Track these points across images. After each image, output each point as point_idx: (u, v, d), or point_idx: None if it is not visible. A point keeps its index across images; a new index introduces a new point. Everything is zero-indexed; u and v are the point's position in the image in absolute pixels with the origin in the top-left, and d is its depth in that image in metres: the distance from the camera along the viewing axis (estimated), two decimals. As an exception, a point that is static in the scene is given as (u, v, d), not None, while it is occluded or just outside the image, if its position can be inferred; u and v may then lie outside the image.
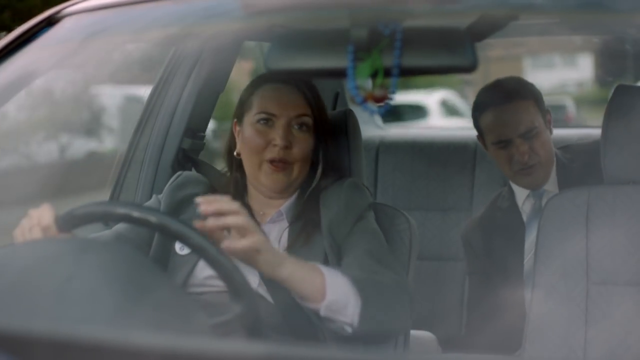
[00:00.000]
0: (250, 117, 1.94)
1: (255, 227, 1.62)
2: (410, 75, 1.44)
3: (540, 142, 2.47)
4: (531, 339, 1.89)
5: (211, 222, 1.57)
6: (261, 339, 1.56)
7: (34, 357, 1.15)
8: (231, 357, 1.13)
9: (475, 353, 2.42)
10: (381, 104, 1.42)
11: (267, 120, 1.92)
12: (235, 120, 2.01)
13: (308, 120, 1.92)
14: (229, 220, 1.58)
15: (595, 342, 1.83)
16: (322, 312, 1.72)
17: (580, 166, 2.51)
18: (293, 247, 1.90)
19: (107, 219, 1.66)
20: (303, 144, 1.92)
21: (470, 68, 1.41)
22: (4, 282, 1.38)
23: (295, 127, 1.91)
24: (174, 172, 2.47)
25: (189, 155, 2.62)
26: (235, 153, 2.00)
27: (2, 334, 1.17)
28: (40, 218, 1.64)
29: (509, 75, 2.64)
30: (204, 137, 2.71)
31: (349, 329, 1.76)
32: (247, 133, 1.94)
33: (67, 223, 1.62)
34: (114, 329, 1.24)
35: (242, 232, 1.60)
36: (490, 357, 2.35)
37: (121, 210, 1.58)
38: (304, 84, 1.95)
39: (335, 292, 1.72)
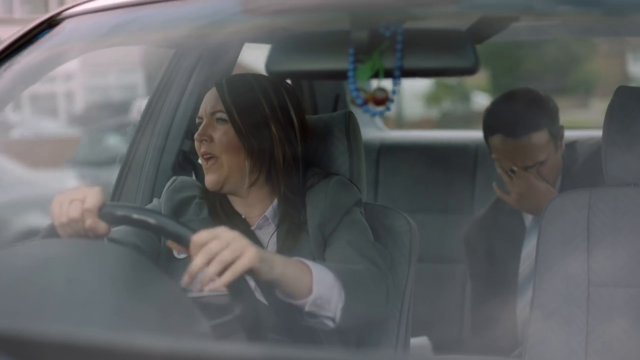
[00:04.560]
0: None
1: (243, 243, 1.59)
2: (411, 77, 1.44)
3: (546, 168, 2.42)
4: (532, 341, 1.88)
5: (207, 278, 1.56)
6: (260, 340, 1.56)
7: (34, 359, 1.15)
8: (231, 358, 1.13)
9: (476, 355, 2.42)
10: (382, 106, 1.42)
11: (199, 123, 2.00)
12: None
13: (222, 115, 1.96)
14: (220, 261, 1.56)
15: (596, 344, 1.83)
16: (307, 308, 1.72)
17: (583, 167, 2.49)
18: (281, 251, 1.90)
19: (141, 227, 1.64)
20: (221, 134, 1.95)
21: (471, 70, 1.41)
22: (5, 283, 1.38)
23: (214, 122, 1.97)
24: (174, 174, 2.47)
25: (189, 157, 2.62)
26: None
27: (2, 335, 1.17)
28: (87, 197, 1.62)
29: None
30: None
31: (330, 324, 1.76)
32: None
33: (107, 217, 1.62)
34: (114, 331, 1.24)
35: (234, 259, 1.58)
36: (490, 358, 2.35)
37: (154, 221, 1.58)
38: (224, 81, 1.99)
39: (320, 288, 1.72)
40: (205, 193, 2.02)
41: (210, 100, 1.99)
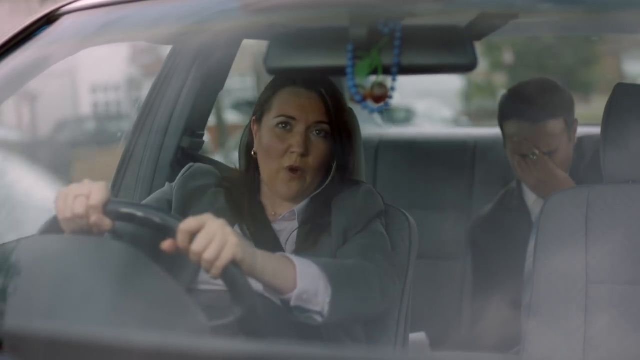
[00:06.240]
0: (270, 120, 1.92)
1: (226, 231, 1.54)
2: (409, 74, 1.44)
3: (558, 157, 2.42)
4: (530, 338, 1.88)
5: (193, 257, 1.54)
6: (261, 337, 1.56)
7: (34, 357, 1.15)
8: (229, 354, 1.13)
9: (475, 351, 2.42)
10: (380, 102, 1.42)
11: (286, 124, 1.90)
12: (253, 118, 1.99)
13: (326, 127, 1.91)
14: (207, 259, 1.52)
15: (594, 341, 1.83)
16: (293, 302, 1.70)
17: (590, 164, 2.48)
18: (301, 249, 1.89)
19: (146, 226, 1.61)
20: (320, 151, 1.91)
21: (469, 67, 1.41)
22: (3, 280, 1.38)
23: (314, 133, 1.90)
24: (172, 171, 2.47)
25: (188, 153, 2.62)
26: (252, 152, 1.99)
27: (2, 334, 1.17)
28: (92, 193, 1.60)
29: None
30: (203, 135, 2.71)
31: (319, 318, 1.74)
32: (266, 137, 1.92)
33: (112, 213, 1.61)
34: (113, 328, 1.24)
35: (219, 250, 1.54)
36: (489, 356, 2.35)
37: (160, 220, 1.57)
38: (326, 89, 1.92)
39: (305, 281, 1.70)
40: (222, 181, 1.99)
41: (311, 108, 1.90)
